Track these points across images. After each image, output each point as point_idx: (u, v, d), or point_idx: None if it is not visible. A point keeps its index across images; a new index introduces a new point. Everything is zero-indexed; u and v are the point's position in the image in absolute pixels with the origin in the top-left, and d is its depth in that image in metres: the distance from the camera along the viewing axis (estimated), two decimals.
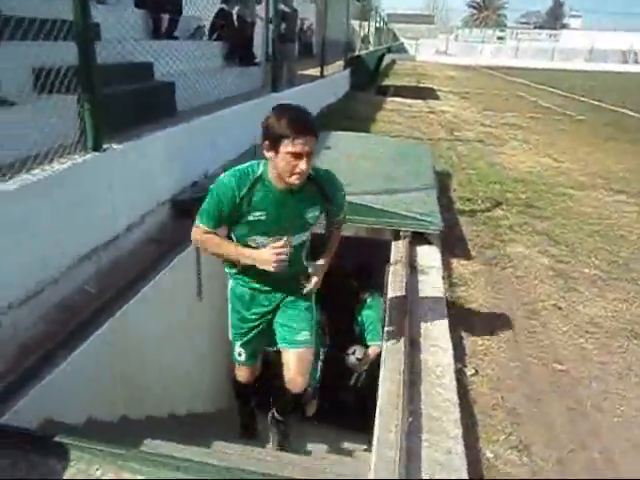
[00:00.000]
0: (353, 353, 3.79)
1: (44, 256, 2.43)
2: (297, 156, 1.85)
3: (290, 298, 2.37)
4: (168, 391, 3.23)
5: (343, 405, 4.02)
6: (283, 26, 9.47)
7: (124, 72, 4.49)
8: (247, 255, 2.06)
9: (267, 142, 1.90)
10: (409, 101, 13.58)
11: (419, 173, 4.68)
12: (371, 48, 19.45)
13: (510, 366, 2.62)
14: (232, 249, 2.10)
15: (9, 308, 2.23)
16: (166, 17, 6.98)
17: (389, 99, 13.77)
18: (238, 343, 2.51)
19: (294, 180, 1.92)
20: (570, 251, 4.21)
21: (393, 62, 34.46)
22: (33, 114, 2.72)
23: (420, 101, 13.92)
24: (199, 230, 2.08)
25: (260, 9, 9.03)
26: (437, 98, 15.73)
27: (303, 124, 1.85)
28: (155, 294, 2.92)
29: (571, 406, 2.35)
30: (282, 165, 1.89)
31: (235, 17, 8.06)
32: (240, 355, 2.54)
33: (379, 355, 2.73)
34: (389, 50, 21.35)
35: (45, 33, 3.16)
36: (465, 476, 1.77)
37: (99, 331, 2.42)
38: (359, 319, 3.83)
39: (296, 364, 2.37)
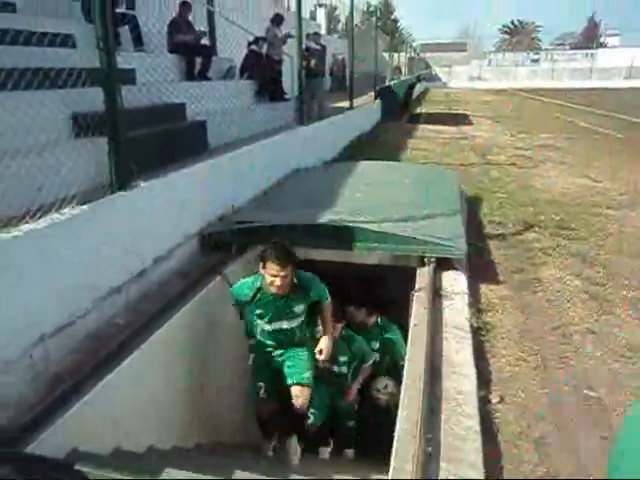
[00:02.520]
0: (385, 388, 3.74)
1: (75, 289, 2.54)
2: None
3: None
4: (194, 422, 3.26)
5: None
6: (313, 62, 9.74)
7: (157, 113, 4.73)
8: None
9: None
10: (440, 128, 13.58)
11: (444, 199, 4.66)
12: (401, 78, 19.65)
13: (538, 393, 2.53)
14: None
15: (41, 340, 2.34)
16: (199, 60, 7.32)
17: (420, 127, 13.81)
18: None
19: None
20: (606, 273, 4.06)
21: (426, 90, 34.69)
22: (69, 156, 2.89)
23: (452, 127, 13.90)
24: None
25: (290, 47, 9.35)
26: (470, 123, 15.66)
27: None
28: (181, 325, 2.99)
29: (603, 435, 2.25)
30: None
31: (264, 56, 8.37)
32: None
33: None
34: (418, 79, 21.45)
35: (83, 81, 3.40)
36: None
37: (125, 362, 2.50)
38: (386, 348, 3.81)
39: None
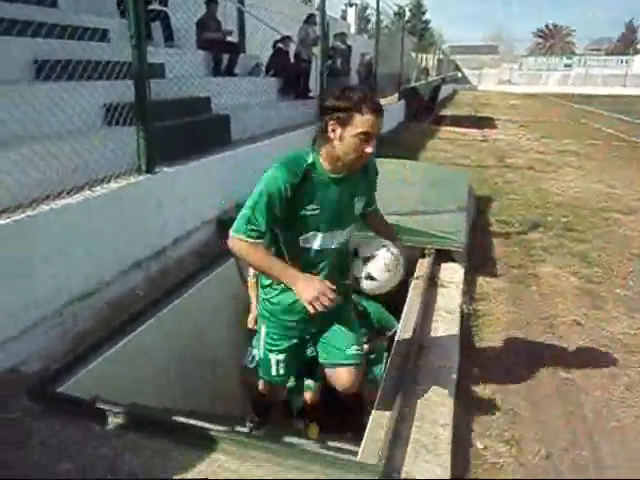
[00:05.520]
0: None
1: (100, 262, 2.86)
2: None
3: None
4: (207, 392, 3.54)
5: None
6: (338, 61, 9.98)
7: (184, 106, 5.06)
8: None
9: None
10: (463, 130, 13.69)
11: (451, 197, 4.86)
12: (427, 79, 19.76)
13: (515, 372, 2.75)
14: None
15: (71, 302, 2.66)
16: (226, 56, 7.65)
17: (443, 128, 13.94)
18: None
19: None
20: (604, 273, 4.21)
21: (454, 92, 34.60)
22: (101, 143, 3.21)
23: (475, 130, 13.98)
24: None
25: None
26: (494, 127, 15.70)
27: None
28: (195, 299, 3.28)
29: (569, 410, 2.46)
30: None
31: (293, 55, 8.66)
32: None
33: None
34: (443, 80, 21.49)
35: (116, 74, 3.72)
36: (448, 460, 1.95)
37: (143, 327, 2.81)
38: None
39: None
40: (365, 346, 2.96)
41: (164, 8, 7.35)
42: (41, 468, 1.80)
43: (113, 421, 2.06)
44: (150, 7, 7.00)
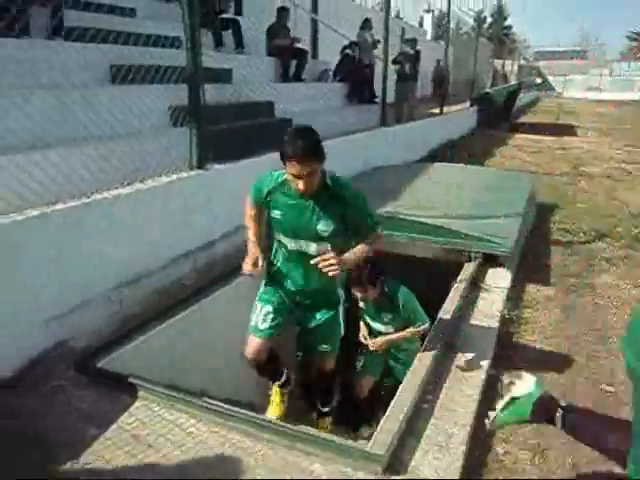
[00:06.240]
0: None
1: (148, 250, 3.05)
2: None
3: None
4: (244, 380, 3.65)
5: None
6: (407, 66, 9.96)
7: (248, 109, 5.28)
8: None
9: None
10: (539, 137, 13.13)
11: (509, 202, 4.72)
12: (502, 85, 19.15)
13: (551, 380, 2.63)
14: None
15: (118, 287, 2.86)
16: (294, 63, 7.86)
17: (517, 135, 13.44)
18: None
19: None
20: None
21: (537, 99, 33.16)
22: (168, 142, 3.44)
23: (552, 137, 13.36)
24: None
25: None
26: (574, 134, 14.93)
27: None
28: (237, 291, 3.41)
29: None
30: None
31: (356, 60, 8.75)
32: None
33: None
34: (520, 86, 20.70)
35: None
36: (459, 460, 1.92)
37: (185, 312, 2.97)
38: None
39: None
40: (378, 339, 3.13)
41: (236, 17, 7.70)
42: (71, 430, 1.97)
43: (143, 395, 2.21)
44: (223, 16, 7.39)
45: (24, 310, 2.33)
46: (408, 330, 3.00)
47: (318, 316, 2.58)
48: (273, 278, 2.56)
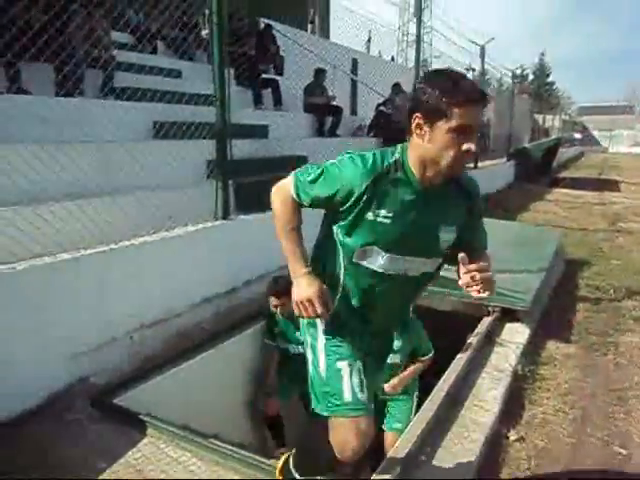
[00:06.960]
0: None
1: (172, 295, 3.24)
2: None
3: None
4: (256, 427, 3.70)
5: None
6: None
7: (277, 162, 5.57)
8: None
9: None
10: (579, 192, 12.97)
11: (534, 257, 4.71)
12: (541, 140, 19.16)
13: (564, 440, 2.58)
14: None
15: (141, 327, 3.04)
16: (330, 119, 8.24)
17: (556, 190, 13.33)
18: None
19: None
20: None
21: (581, 154, 32.86)
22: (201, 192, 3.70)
23: (593, 192, 13.17)
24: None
25: None
26: (617, 190, 14.66)
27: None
28: (255, 336, 3.53)
29: None
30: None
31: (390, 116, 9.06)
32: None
33: None
34: (559, 141, 20.62)
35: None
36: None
37: (202, 355, 3.11)
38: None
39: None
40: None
41: (276, 77, 8.19)
42: (82, 463, 2.10)
43: (151, 432, 2.33)
44: (264, 76, 7.89)
45: (51, 345, 2.52)
46: (417, 366, 2.94)
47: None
48: (339, 321, 1.69)
